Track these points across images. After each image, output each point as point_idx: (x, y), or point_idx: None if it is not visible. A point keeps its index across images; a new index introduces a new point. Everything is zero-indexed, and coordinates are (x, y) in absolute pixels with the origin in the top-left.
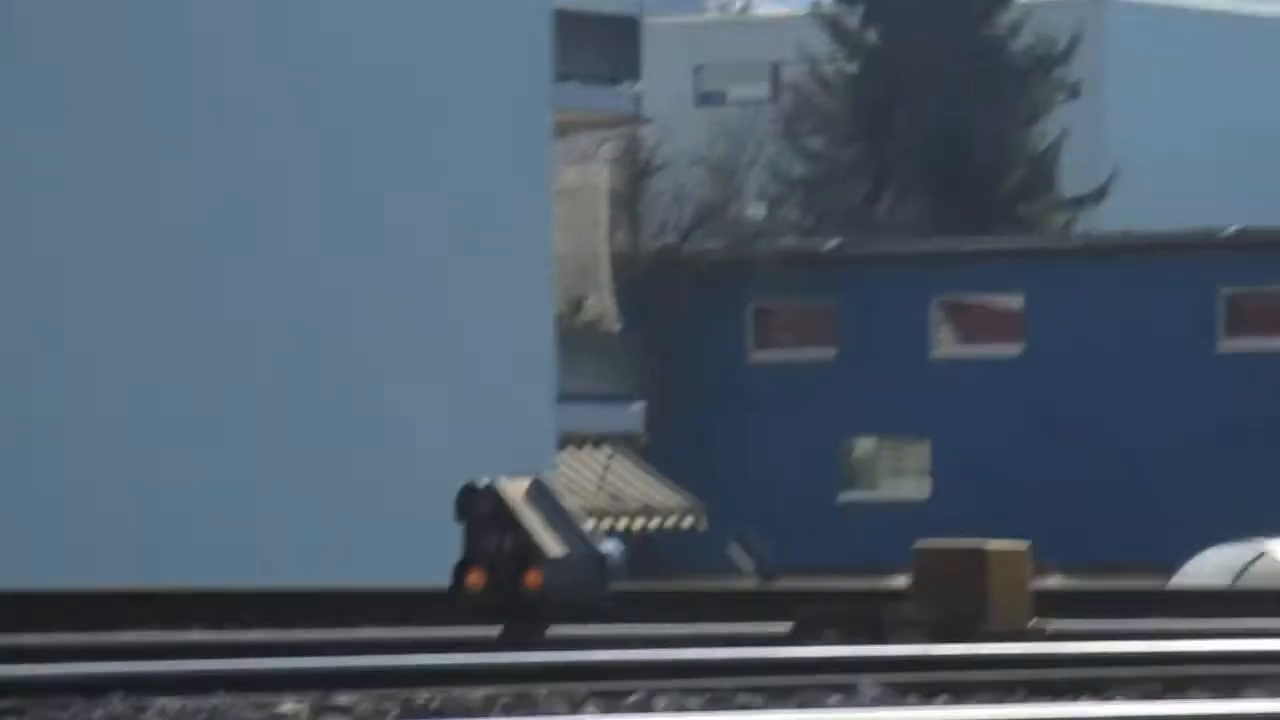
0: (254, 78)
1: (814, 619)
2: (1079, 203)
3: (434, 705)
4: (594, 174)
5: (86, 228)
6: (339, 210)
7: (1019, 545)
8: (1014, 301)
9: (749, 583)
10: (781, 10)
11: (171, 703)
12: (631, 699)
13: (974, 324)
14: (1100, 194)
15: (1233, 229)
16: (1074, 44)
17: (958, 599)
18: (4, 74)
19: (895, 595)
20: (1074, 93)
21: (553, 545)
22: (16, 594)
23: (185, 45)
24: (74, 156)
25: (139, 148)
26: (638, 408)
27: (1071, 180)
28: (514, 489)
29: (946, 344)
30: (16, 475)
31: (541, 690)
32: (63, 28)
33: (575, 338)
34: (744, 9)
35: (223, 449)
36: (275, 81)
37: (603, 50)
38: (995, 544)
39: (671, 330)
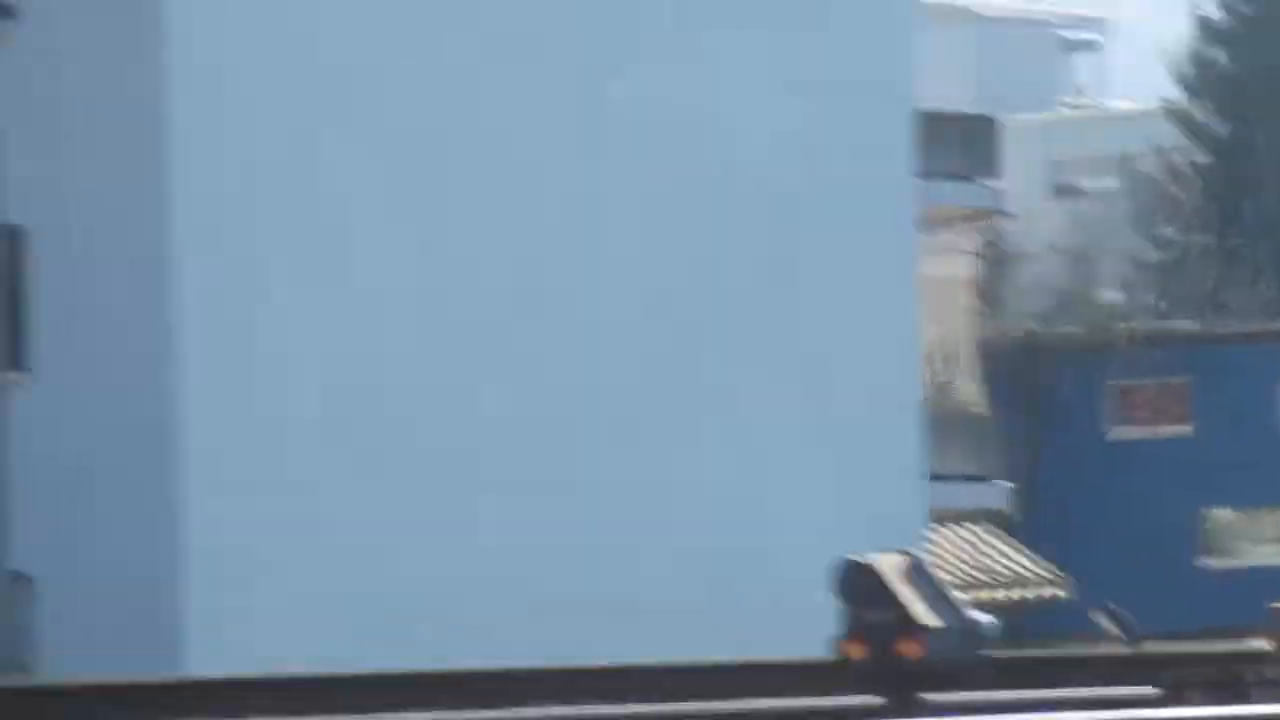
0: (620, 182)
1: (1179, 681)
2: None
3: None
4: (958, 265)
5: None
6: (721, 311)
7: None
8: None
9: (1116, 648)
10: (1131, 105)
11: None
12: None
13: None
14: None
15: None
16: None
17: None
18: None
19: (1257, 656)
20: None
21: (928, 616)
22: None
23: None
24: None
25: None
26: (1005, 485)
27: None
28: (890, 564)
29: None
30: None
31: None
32: None
33: (943, 420)
34: (1096, 105)
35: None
36: (647, 186)
37: (963, 148)
38: None
39: (1035, 411)
